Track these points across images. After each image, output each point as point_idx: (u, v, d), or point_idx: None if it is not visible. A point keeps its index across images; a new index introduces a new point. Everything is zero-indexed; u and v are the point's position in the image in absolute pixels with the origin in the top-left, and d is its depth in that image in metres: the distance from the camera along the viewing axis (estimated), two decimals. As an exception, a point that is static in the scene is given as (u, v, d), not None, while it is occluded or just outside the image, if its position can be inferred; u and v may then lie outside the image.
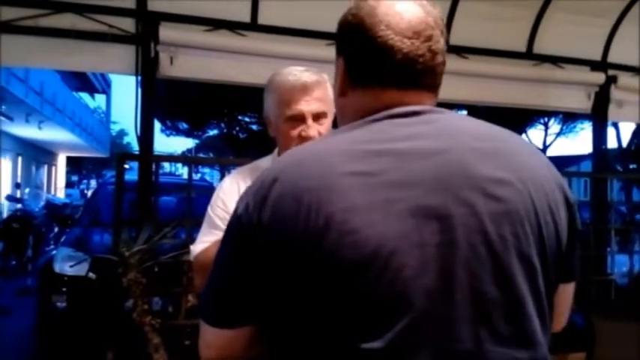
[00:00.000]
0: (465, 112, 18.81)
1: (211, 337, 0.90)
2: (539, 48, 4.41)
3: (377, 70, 0.91)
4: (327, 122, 1.57)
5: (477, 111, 17.03)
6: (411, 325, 0.77)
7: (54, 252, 5.03)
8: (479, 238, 0.80)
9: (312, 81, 1.55)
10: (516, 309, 0.81)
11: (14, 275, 8.12)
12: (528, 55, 4.41)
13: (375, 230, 0.77)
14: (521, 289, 0.81)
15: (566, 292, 1.00)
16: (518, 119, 18.39)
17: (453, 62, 4.16)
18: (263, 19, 3.73)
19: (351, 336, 0.78)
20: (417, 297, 0.77)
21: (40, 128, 15.22)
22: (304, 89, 1.54)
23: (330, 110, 1.54)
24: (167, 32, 3.46)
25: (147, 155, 3.54)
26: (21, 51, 3.40)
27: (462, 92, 4.30)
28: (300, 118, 1.54)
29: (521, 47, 4.40)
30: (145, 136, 3.53)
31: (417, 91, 0.92)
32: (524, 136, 23.57)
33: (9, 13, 3.28)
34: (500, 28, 4.27)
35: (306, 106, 1.54)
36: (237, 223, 0.85)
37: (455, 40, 4.17)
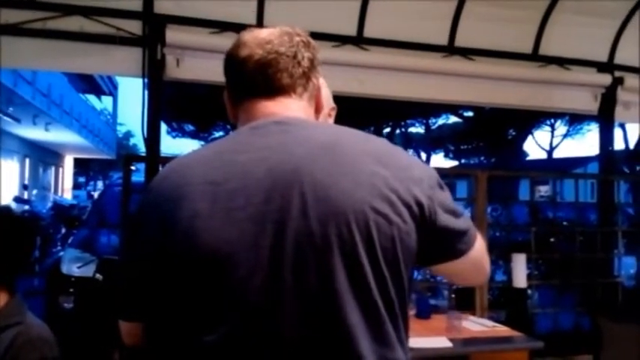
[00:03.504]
0: (470, 114, 18.79)
1: (120, 326, 1.03)
2: (545, 49, 4.40)
3: (239, 81, 1.04)
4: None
5: (483, 113, 17.02)
6: (242, 319, 0.87)
7: (61, 253, 5.07)
8: (305, 239, 0.88)
9: None
10: (333, 301, 0.88)
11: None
12: (534, 56, 4.40)
13: (214, 235, 0.88)
14: (340, 285, 0.88)
15: (459, 264, 1.05)
16: (524, 121, 18.32)
17: (459, 64, 4.18)
18: (268, 21, 3.74)
19: (192, 330, 0.88)
20: (248, 294, 0.87)
21: (47, 130, 15.30)
22: None
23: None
24: (173, 35, 3.48)
25: (153, 157, 3.55)
26: (29, 53, 3.43)
27: (468, 94, 4.31)
28: None
29: (528, 49, 4.39)
30: (152, 138, 3.55)
31: (276, 97, 1.02)
32: (530, 137, 23.50)
33: (17, 15, 3.30)
34: (507, 29, 4.26)
35: None
36: (130, 223, 1.00)
37: (461, 42, 4.18)
